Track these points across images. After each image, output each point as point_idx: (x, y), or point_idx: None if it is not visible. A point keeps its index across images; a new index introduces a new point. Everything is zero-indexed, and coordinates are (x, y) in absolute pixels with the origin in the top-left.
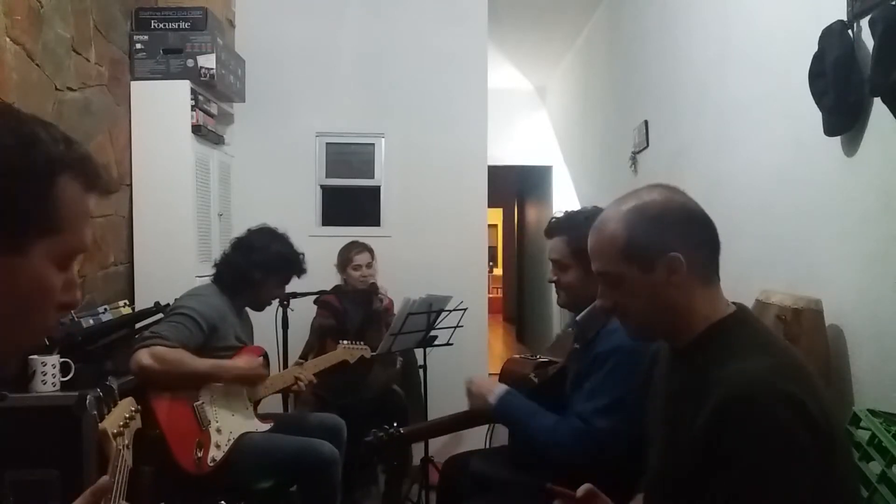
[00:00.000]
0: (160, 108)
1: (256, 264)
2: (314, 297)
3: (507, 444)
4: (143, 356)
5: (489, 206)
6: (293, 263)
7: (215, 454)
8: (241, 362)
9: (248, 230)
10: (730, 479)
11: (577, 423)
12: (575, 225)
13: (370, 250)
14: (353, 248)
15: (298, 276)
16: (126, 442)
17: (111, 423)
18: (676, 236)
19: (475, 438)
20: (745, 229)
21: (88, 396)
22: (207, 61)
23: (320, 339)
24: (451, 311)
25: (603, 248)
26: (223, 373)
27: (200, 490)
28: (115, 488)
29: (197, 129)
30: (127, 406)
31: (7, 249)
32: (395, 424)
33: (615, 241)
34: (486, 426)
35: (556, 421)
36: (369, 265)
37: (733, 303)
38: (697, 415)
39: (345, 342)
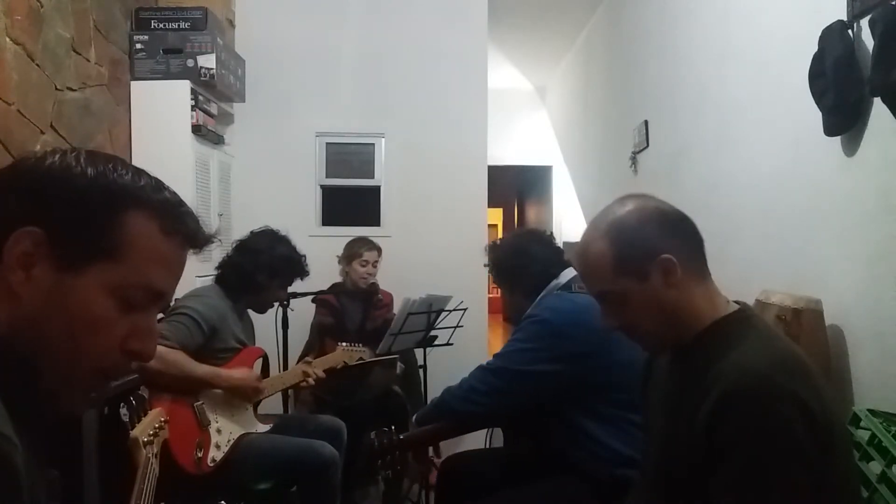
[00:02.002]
0: (160, 108)
1: (261, 267)
2: (312, 296)
3: (503, 444)
4: None
5: (489, 206)
6: (297, 266)
7: (215, 454)
8: (238, 373)
9: (251, 232)
10: (728, 473)
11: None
12: (493, 248)
13: (379, 249)
14: (365, 244)
15: (301, 279)
16: (155, 451)
17: (141, 431)
18: (661, 239)
19: (475, 439)
20: (745, 229)
21: (122, 404)
22: (207, 61)
23: (320, 338)
24: (451, 311)
25: (593, 269)
26: (219, 381)
27: (200, 490)
28: (144, 496)
29: (197, 129)
30: (157, 416)
31: (62, 266)
32: (392, 428)
33: (604, 260)
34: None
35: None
36: (375, 264)
37: (736, 301)
38: (698, 410)
39: (344, 344)
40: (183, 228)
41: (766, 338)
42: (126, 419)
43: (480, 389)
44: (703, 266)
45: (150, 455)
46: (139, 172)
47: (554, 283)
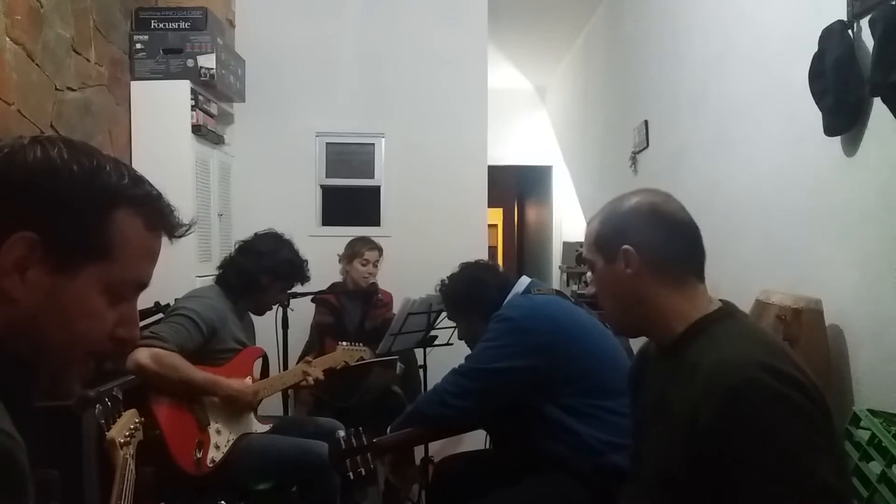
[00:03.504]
0: (160, 108)
1: (264, 269)
2: (312, 296)
3: (490, 447)
4: (141, 355)
5: (489, 206)
6: (299, 270)
7: (215, 455)
8: (235, 384)
9: (256, 234)
10: (761, 469)
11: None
12: (445, 286)
13: (380, 249)
14: (366, 243)
15: (302, 284)
16: (132, 451)
17: (118, 432)
18: (638, 233)
19: (475, 442)
20: (745, 229)
21: (96, 405)
22: (207, 61)
23: (320, 338)
24: None
25: (586, 237)
26: (215, 389)
27: (200, 490)
28: (123, 497)
29: (197, 129)
30: (131, 417)
31: (57, 269)
32: (360, 429)
33: (591, 232)
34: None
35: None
36: (376, 264)
37: (719, 300)
38: (696, 408)
39: (344, 344)
40: (164, 223)
41: (752, 329)
42: (102, 420)
43: (452, 392)
44: (687, 273)
45: (128, 455)
46: (118, 166)
47: (512, 293)
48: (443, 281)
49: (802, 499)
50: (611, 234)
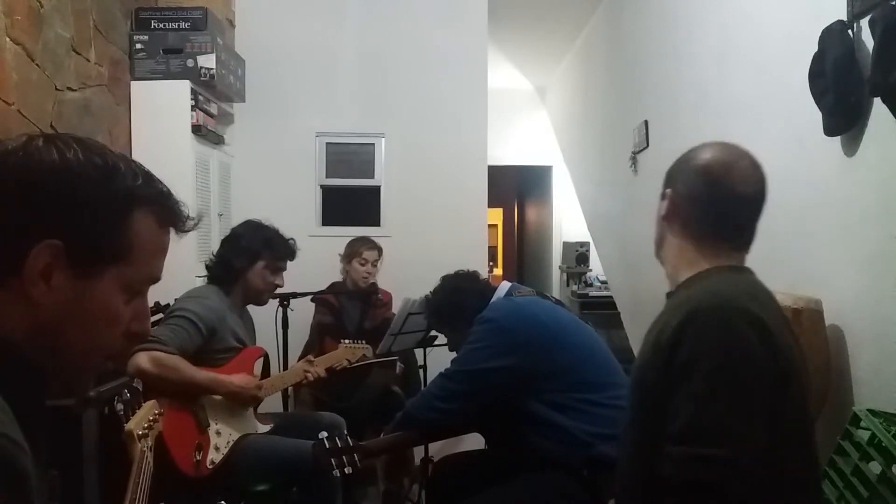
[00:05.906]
0: (160, 108)
1: (240, 250)
2: (312, 296)
3: (486, 447)
4: (142, 360)
5: (489, 206)
6: (281, 247)
7: (214, 457)
8: (237, 380)
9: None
10: (688, 386)
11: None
12: (428, 301)
13: (379, 249)
14: (365, 243)
15: (291, 259)
16: (150, 444)
17: (136, 424)
18: (684, 184)
19: (475, 440)
20: None
21: (116, 398)
22: (207, 61)
23: (319, 338)
24: None
25: None
26: (218, 387)
27: (200, 491)
28: (140, 489)
29: (197, 129)
30: (151, 409)
31: (80, 273)
32: (344, 433)
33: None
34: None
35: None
36: (375, 263)
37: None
38: (665, 328)
39: (346, 341)
40: (175, 219)
41: (749, 280)
42: (121, 412)
43: (440, 395)
44: (716, 237)
45: (145, 448)
46: (130, 165)
47: (494, 297)
48: (427, 297)
49: (694, 432)
50: (671, 173)
